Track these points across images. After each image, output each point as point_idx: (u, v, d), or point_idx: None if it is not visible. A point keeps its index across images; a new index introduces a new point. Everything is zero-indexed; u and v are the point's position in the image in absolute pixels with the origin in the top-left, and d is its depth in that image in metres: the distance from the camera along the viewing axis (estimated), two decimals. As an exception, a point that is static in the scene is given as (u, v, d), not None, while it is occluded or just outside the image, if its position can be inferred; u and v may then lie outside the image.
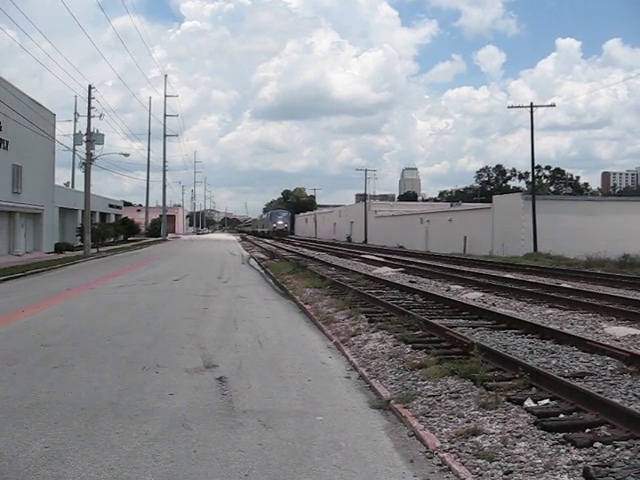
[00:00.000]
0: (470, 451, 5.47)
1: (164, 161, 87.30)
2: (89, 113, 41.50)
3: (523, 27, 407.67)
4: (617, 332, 11.27)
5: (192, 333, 11.58)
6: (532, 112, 43.10)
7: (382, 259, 35.29)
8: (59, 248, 42.96)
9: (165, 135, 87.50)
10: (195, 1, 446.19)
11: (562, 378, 7.09)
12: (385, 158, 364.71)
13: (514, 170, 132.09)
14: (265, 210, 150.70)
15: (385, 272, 25.97)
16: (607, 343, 9.59)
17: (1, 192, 34.38)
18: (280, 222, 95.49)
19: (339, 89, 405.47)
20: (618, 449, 5.23)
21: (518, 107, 45.40)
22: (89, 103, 41.56)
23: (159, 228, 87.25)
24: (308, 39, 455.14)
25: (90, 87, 42.06)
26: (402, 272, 26.25)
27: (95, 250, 42.47)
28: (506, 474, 4.96)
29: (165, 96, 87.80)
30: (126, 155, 50.84)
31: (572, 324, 12.38)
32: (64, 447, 5.50)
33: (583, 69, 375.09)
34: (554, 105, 46.91)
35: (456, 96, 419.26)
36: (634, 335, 10.93)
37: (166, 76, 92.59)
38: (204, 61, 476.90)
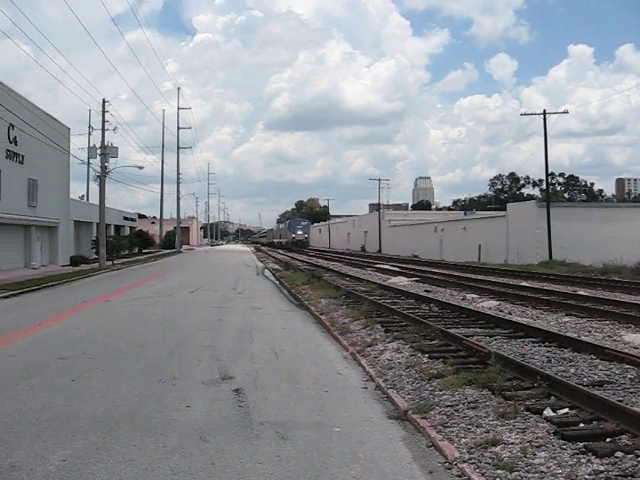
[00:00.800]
0: (490, 461, 5.41)
1: (178, 173, 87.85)
2: (103, 126, 41.82)
3: (535, 34, 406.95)
4: (635, 339, 11.17)
5: (208, 345, 11.58)
6: (545, 119, 43.00)
7: (397, 269, 35.21)
8: (74, 261, 43.16)
9: (178, 147, 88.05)
10: (207, 14, 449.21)
11: (581, 387, 7.03)
12: (398, 167, 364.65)
13: (528, 178, 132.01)
14: (280, 220, 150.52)
15: (400, 282, 25.91)
16: (626, 351, 9.51)
17: (17, 206, 34.60)
18: (300, 232, 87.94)
19: (351, 99, 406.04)
20: (640, 459, 5.17)
21: (531, 114, 45.33)
22: (103, 117, 41.90)
23: (173, 240, 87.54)
24: (320, 50, 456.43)
25: (104, 101, 42.41)
26: (417, 281, 26.19)
27: (110, 262, 42.66)
28: (526, 485, 4.91)
29: (178, 109, 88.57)
30: (140, 168, 51.04)
31: (590, 332, 12.29)
32: (82, 460, 5.49)
33: (596, 75, 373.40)
34: (567, 112, 46.65)
35: (468, 104, 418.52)
36: (653, 342, 10.83)
37: (179, 89, 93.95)
38: (217, 73, 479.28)
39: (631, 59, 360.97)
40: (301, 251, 75.08)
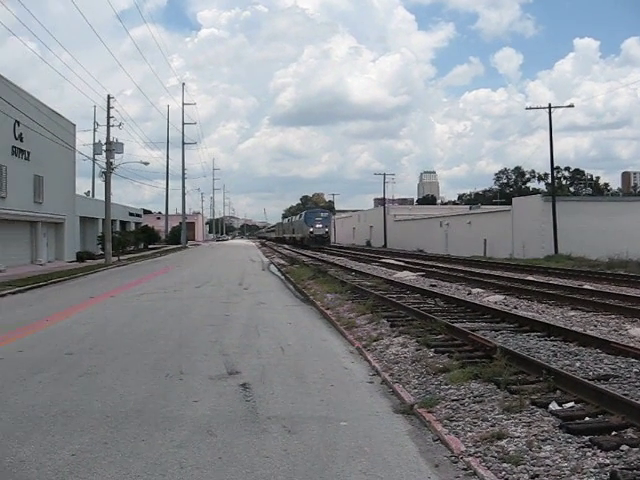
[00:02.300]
0: (495, 455, 5.44)
1: (183, 169, 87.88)
2: (108, 122, 41.92)
3: (540, 28, 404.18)
4: (641, 333, 11.17)
5: (214, 340, 11.63)
6: (550, 113, 42.93)
7: (402, 263, 35.22)
8: (80, 257, 43.29)
9: (184, 143, 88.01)
10: (212, 9, 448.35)
11: (587, 381, 7.06)
12: (404, 162, 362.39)
13: (533, 172, 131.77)
14: (284, 215, 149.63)
15: (405, 276, 25.92)
16: (632, 345, 9.52)
17: (23, 202, 34.74)
18: (319, 225, 71.59)
19: (357, 94, 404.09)
20: (645, 452, 5.19)
21: (536, 108, 45.24)
22: (108, 113, 42.00)
23: (179, 235, 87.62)
24: (326, 45, 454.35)
25: (109, 97, 42.52)
26: (422, 276, 26.19)
27: (116, 258, 42.75)
28: (532, 478, 4.93)
29: (183, 104, 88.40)
30: (146, 164, 51.25)
31: (595, 326, 12.30)
32: (91, 455, 5.54)
33: (601, 69, 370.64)
34: (572, 106, 46.83)
35: (474, 98, 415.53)
36: (659, 336, 10.83)
37: (184, 84, 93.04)
38: (222, 69, 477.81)
39: (637, 52, 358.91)
40: (321, 248, 63.34)
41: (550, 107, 43.16)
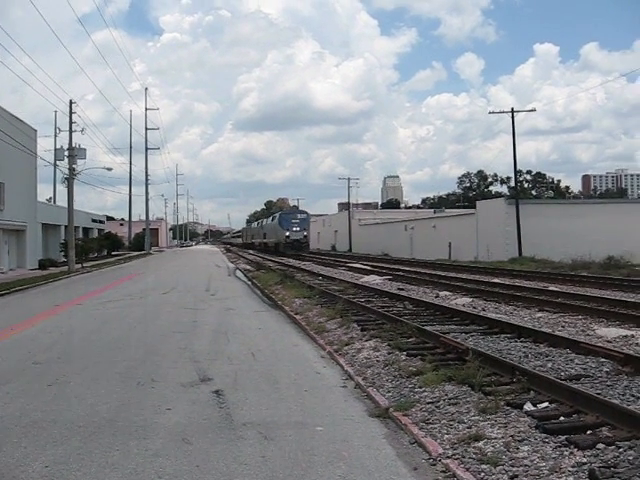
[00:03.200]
0: (473, 456, 5.46)
1: (146, 174, 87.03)
2: (70, 128, 41.24)
3: (501, 34, 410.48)
4: (608, 333, 11.34)
5: (184, 347, 11.51)
6: (513, 117, 43.52)
7: (368, 267, 35.33)
8: (43, 264, 42.61)
9: (147, 148, 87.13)
10: (174, 14, 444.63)
11: (560, 381, 7.13)
12: (367, 166, 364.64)
13: (495, 175, 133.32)
14: (249, 221, 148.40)
15: (373, 280, 25.99)
16: (601, 345, 9.64)
17: (-17, 209, 34.11)
18: (296, 229, 63.70)
19: (320, 99, 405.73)
20: (621, 450, 5.25)
21: (500, 112, 45.56)
22: (70, 118, 41.33)
23: (142, 242, 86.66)
24: (289, 49, 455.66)
25: (71, 102, 41.83)
26: (389, 280, 26.28)
27: (79, 265, 42.14)
28: (512, 478, 4.96)
29: (146, 109, 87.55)
30: (109, 169, 50.57)
31: (563, 327, 12.44)
32: (65, 466, 5.43)
33: (561, 74, 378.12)
34: (535, 110, 47.33)
35: (436, 103, 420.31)
36: (625, 336, 11.00)
37: (147, 89, 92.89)
38: (185, 73, 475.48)
39: (595, 57, 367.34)
40: (298, 255, 56.29)
41: (513, 111, 43.73)
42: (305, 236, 63.96)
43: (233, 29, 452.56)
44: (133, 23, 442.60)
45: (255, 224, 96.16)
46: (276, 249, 65.79)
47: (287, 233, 62.96)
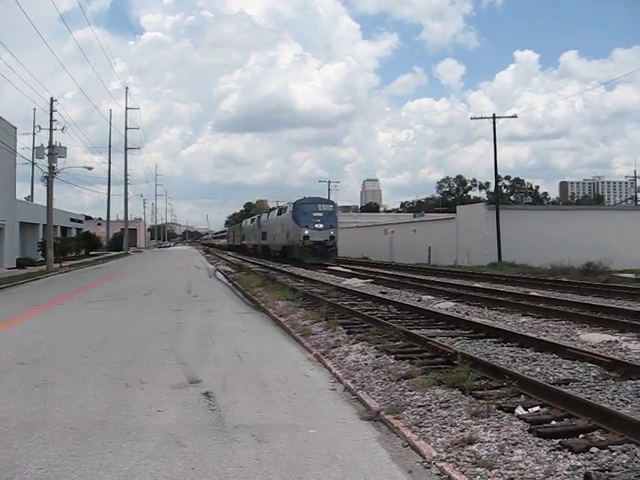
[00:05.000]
0: (468, 460, 5.48)
1: (125, 174, 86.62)
2: (51, 126, 40.85)
3: (482, 40, 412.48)
4: (592, 339, 11.45)
5: (170, 348, 11.45)
6: (494, 123, 43.91)
7: (349, 270, 35.29)
8: (21, 264, 42.19)
9: (126, 148, 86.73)
10: (156, 14, 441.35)
11: (550, 385, 7.20)
12: (347, 169, 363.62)
13: (474, 180, 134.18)
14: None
15: (354, 283, 26.01)
16: (588, 350, 9.74)
17: (-39, 207, 33.71)
18: (319, 226, 43.29)
19: (301, 101, 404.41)
20: (615, 453, 5.31)
21: (481, 118, 45.89)
22: (51, 116, 40.97)
23: (121, 242, 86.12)
24: (271, 51, 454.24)
25: (52, 99, 41.46)
26: (371, 283, 26.29)
27: (58, 265, 41.76)
28: (508, 482, 5.00)
29: (126, 109, 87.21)
30: (89, 169, 50.28)
31: (547, 332, 12.53)
32: (59, 468, 5.37)
33: (541, 81, 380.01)
34: (516, 116, 48.33)
35: (417, 108, 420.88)
36: (609, 341, 11.10)
37: (127, 88, 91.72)
38: (166, 74, 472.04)
39: (574, 65, 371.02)
40: (322, 265, 39.42)
41: (495, 117, 44.12)
42: (332, 237, 43.75)
43: (215, 30, 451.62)
44: (114, 22, 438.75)
45: (249, 221, 74.66)
46: (286, 254, 46.67)
47: (306, 232, 42.56)
